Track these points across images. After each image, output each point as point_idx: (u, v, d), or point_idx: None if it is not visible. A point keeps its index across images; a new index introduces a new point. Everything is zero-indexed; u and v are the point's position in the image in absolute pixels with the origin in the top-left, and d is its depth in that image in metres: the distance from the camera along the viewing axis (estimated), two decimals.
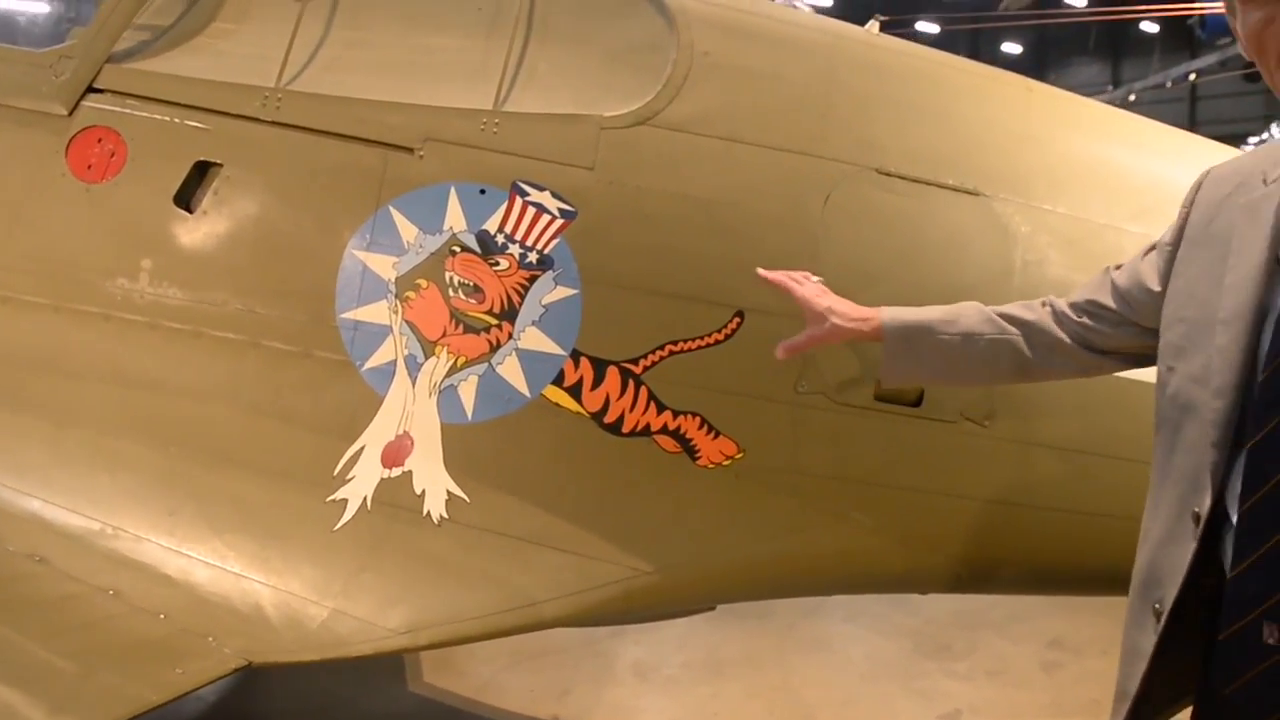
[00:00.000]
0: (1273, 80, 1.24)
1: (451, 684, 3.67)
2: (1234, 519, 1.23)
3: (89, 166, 2.28)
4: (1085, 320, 1.63)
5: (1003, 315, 1.70)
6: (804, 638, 4.05)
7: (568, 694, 3.64)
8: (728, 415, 2.26)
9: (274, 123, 2.29)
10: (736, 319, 2.23)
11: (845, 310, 1.80)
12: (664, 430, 2.25)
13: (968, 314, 1.72)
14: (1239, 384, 1.25)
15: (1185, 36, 25.17)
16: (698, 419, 2.25)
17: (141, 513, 2.17)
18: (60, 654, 1.77)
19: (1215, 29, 20.67)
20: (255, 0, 2.48)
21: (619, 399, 2.23)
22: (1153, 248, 1.55)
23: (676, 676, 3.77)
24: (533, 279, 2.22)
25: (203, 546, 2.13)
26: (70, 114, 2.31)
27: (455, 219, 2.24)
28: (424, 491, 2.22)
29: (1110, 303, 1.60)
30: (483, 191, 2.24)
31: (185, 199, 2.28)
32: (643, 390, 2.23)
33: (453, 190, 2.24)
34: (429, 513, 2.21)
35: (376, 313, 2.24)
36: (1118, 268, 1.62)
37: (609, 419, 2.24)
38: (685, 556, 2.30)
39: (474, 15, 2.44)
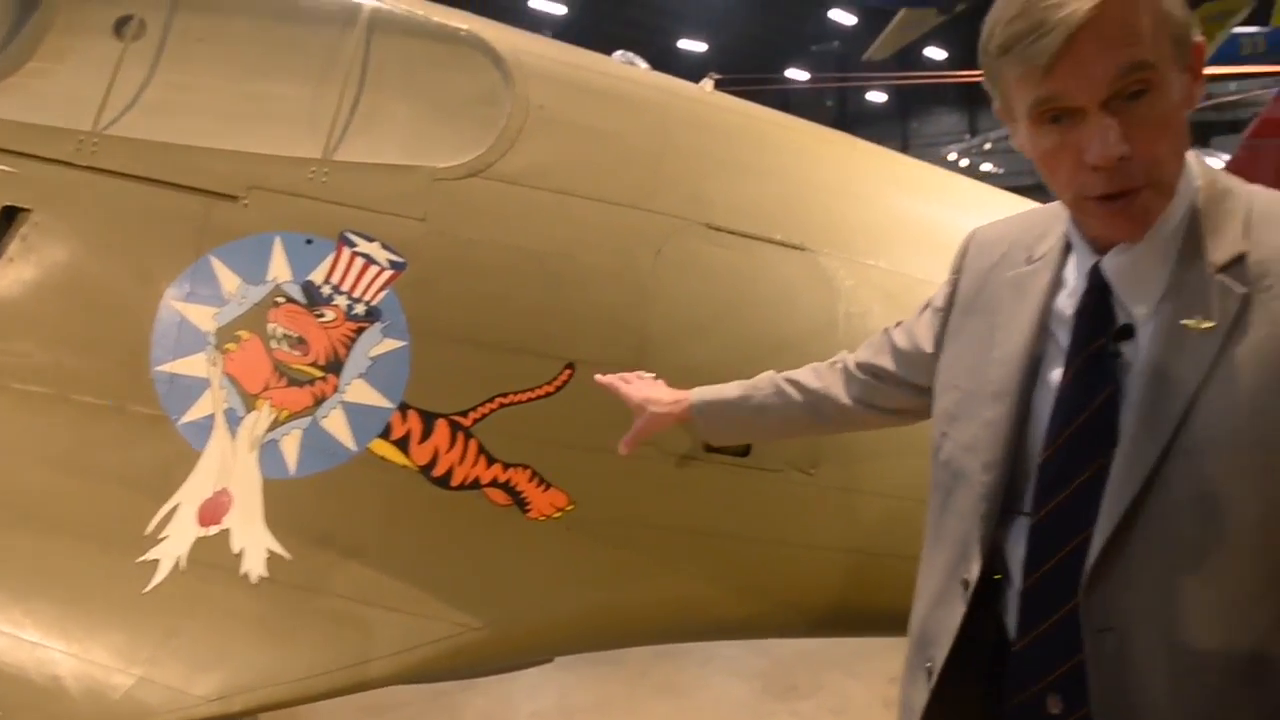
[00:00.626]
0: (1059, 192, 1.26)
1: None
2: (1018, 586, 1.27)
3: None
4: (869, 380, 1.69)
5: (795, 385, 1.77)
6: (656, 683, 4.05)
7: None
8: (559, 467, 2.25)
9: (88, 168, 2.20)
10: (568, 371, 2.24)
11: (660, 398, 1.89)
12: (494, 483, 2.23)
13: (762, 388, 1.80)
14: (1007, 458, 1.29)
15: None
16: (528, 471, 2.24)
17: None
18: None
19: None
20: (75, 40, 2.39)
21: (448, 452, 2.21)
22: (928, 307, 1.59)
23: None
24: (359, 331, 2.19)
25: None
26: None
27: (280, 269, 2.19)
28: (242, 550, 2.14)
29: (890, 364, 1.65)
30: (309, 241, 2.20)
31: None
32: (472, 443, 2.21)
33: (278, 240, 2.19)
34: (247, 572, 2.13)
35: (194, 365, 2.16)
36: (897, 325, 1.67)
37: (438, 472, 2.21)
38: (517, 610, 2.28)
39: (306, 62, 2.40)
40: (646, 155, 2.40)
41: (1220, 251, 1.19)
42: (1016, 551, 1.28)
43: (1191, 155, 1.24)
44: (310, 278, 2.19)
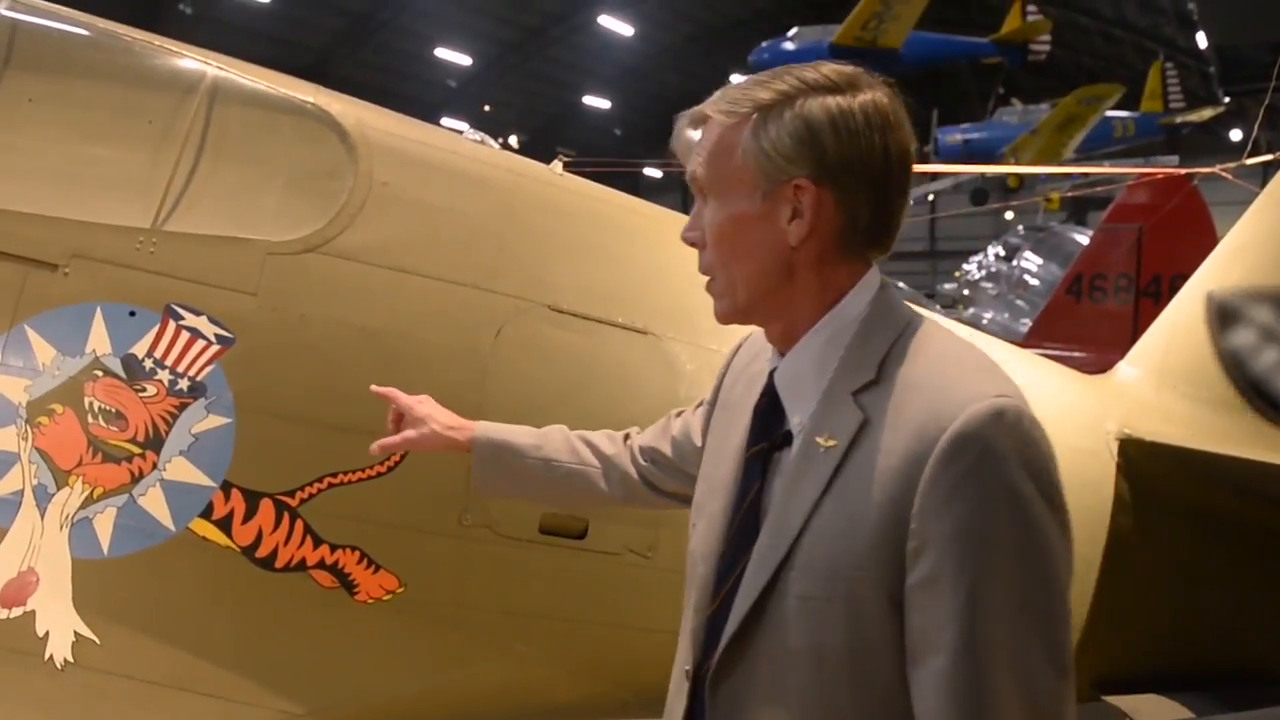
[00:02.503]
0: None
1: None
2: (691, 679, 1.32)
3: None
4: (649, 464, 1.74)
5: (588, 444, 1.78)
6: None
7: None
8: (389, 549, 2.22)
9: None
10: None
11: (443, 419, 1.81)
12: (320, 565, 2.18)
13: (553, 440, 1.78)
14: (717, 553, 1.33)
15: (924, 160, 27.67)
16: (357, 553, 2.20)
17: None
18: None
19: (946, 155, 22.89)
20: None
21: (272, 532, 2.15)
22: (702, 403, 1.64)
23: None
24: (182, 406, 2.13)
25: None
26: None
27: (99, 341, 2.12)
28: (48, 633, 2.05)
29: (668, 451, 1.71)
30: (133, 314, 2.14)
31: None
32: (299, 523, 2.16)
33: (99, 311, 2.13)
34: (51, 656, 2.04)
35: (3, 439, 2.07)
36: (678, 414, 1.74)
37: (261, 553, 2.15)
38: (343, 695, 2.22)
39: (143, 128, 2.35)
40: (491, 235, 2.41)
41: (858, 377, 1.24)
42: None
43: (863, 286, 1.30)
44: (132, 350, 2.12)
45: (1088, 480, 2.96)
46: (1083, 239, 12.74)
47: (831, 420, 1.24)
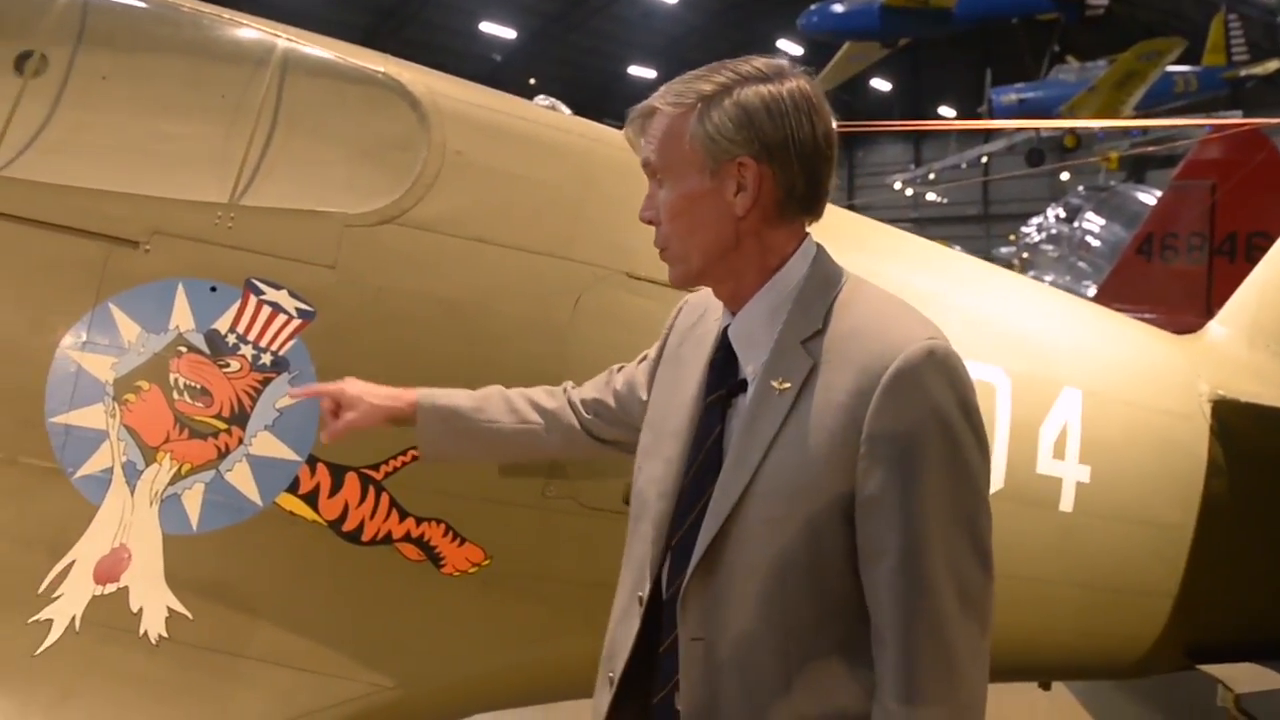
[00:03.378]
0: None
1: None
2: (663, 602, 1.50)
3: None
4: (592, 416, 1.92)
5: (530, 402, 1.93)
6: None
7: None
8: (474, 522, 2.20)
9: None
10: None
11: (379, 393, 1.92)
12: (406, 538, 2.17)
13: (494, 402, 1.93)
14: (676, 491, 1.52)
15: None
16: (442, 526, 2.18)
17: None
18: None
19: (1001, 116, 22.41)
20: None
21: (358, 506, 2.14)
22: (645, 358, 1.84)
23: None
24: (266, 381, 2.12)
25: None
26: None
27: (182, 317, 2.11)
28: (141, 609, 2.06)
29: (610, 402, 1.90)
30: (214, 289, 2.13)
31: None
32: (384, 497, 2.15)
33: (181, 287, 2.12)
34: (146, 632, 2.05)
35: (91, 417, 2.08)
36: (619, 369, 1.92)
37: (348, 527, 2.14)
38: (430, 669, 2.21)
39: (216, 102, 2.34)
40: (567, 202, 2.37)
41: (805, 327, 1.45)
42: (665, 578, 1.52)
43: (803, 251, 1.50)
44: (215, 326, 2.11)
45: (1180, 444, 2.87)
46: (1148, 198, 12.41)
47: (784, 366, 1.44)
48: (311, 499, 2.13)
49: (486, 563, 2.21)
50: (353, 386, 1.92)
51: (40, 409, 2.07)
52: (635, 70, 35.80)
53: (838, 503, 1.39)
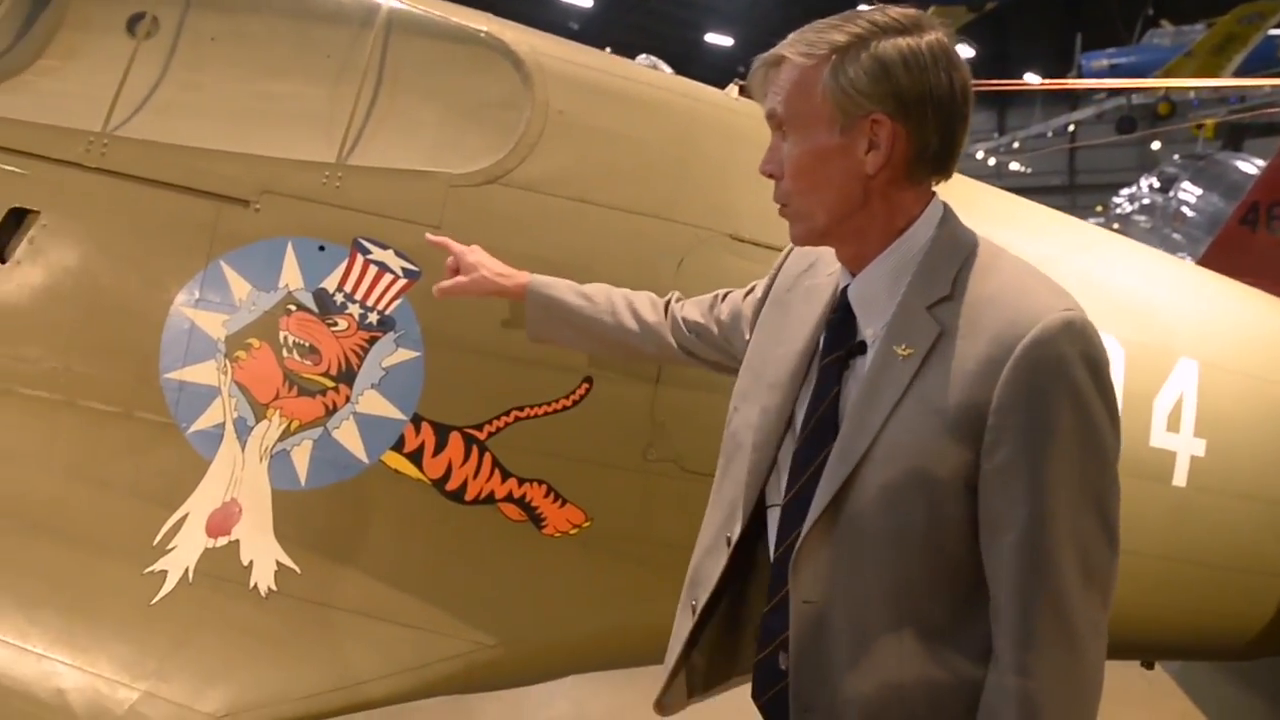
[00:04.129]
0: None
1: None
2: (772, 561, 1.50)
3: None
4: (692, 336, 1.92)
5: (631, 309, 1.95)
6: None
7: None
8: (575, 483, 2.20)
9: (98, 169, 2.15)
10: (585, 385, 2.18)
11: (493, 266, 2.01)
12: (509, 498, 2.18)
13: (598, 302, 1.96)
14: (773, 443, 1.51)
15: (1065, 89, 26.32)
16: (544, 487, 2.19)
17: None
18: None
19: (1091, 80, 21.70)
20: (86, 37, 2.35)
21: (462, 466, 2.15)
22: (752, 290, 1.81)
23: None
24: (373, 340, 2.13)
25: (3, 624, 1.97)
26: None
27: (291, 276, 2.14)
28: (251, 562, 2.10)
29: (714, 328, 1.89)
30: (322, 248, 2.15)
31: None
32: (487, 457, 2.16)
33: (290, 246, 2.14)
34: (256, 585, 2.09)
35: (204, 373, 2.12)
36: (725, 296, 1.90)
37: (451, 486, 2.16)
38: (530, 628, 2.22)
39: (321, 62, 2.35)
40: (670, 162, 2.33)
41: (932, 293, 1.40)
42: (773, 531, 1.52)
43: (930, 213, 1.44)
44: (323, 285, 2.13)
45: None
46: (1248, 167, 11.90)
47: (908, 331, 1.39)
48: (416, 457, 2.14)
49: (587, 524, 2.21)
50: (473, 255, 2.02)
51: (155, 365, 2.12)
52: (712, 38, 35.43)
53: (961, 472, 1.35)
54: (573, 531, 2.21)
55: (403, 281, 2.14)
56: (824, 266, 1.58)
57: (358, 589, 2.13)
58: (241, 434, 2.12)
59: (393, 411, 2.13)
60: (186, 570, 2.07)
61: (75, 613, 2.01)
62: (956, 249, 1.44)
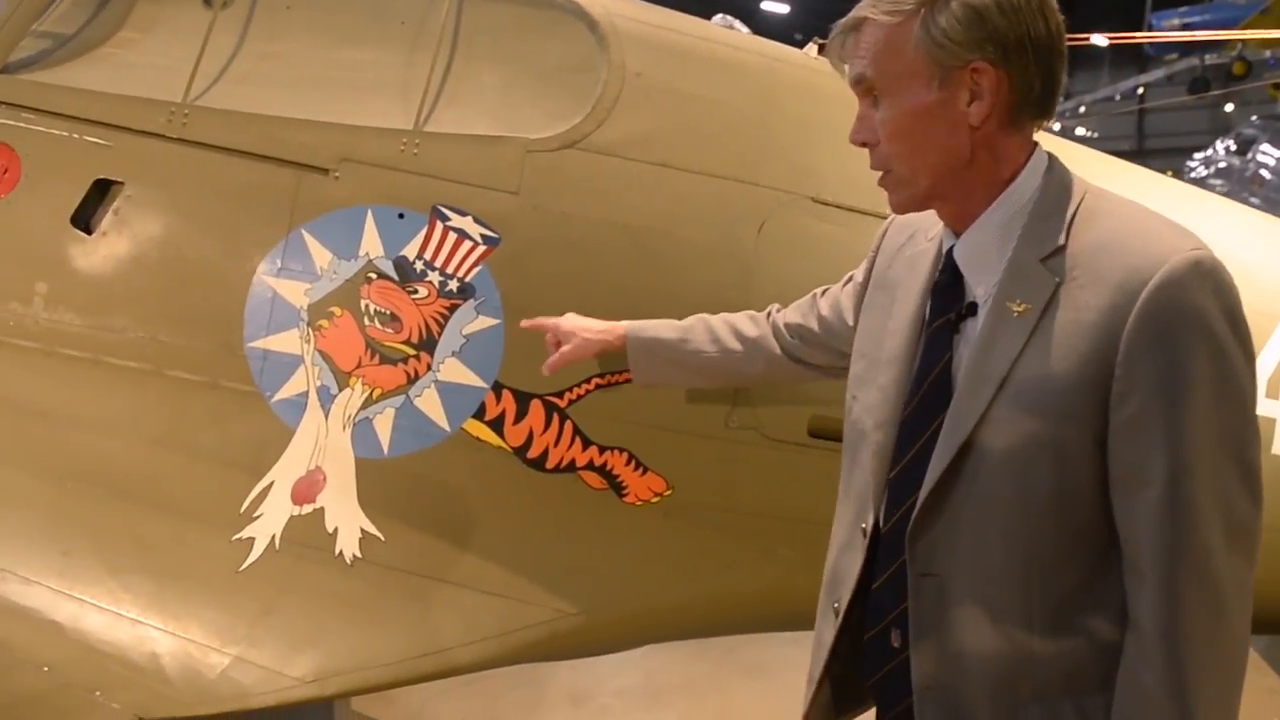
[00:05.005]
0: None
1: (380, 712, 3.55)
2: (880, 534, 1.44)
3: None
4: (796, 340, 1.88)
5: (732, 330, 1.93)
6: (743, 663, 3.97)
7: None
8: (656, 451, 2.17)
9: (180, 140, 2.17)
10: None
11: (592, 326, 2.00)
12: (590, 466, 2.16)
13: (697, 333, 1.94)
14: (895, 420, 1.43)
15: (1134, 51, 25.55)
16: (625, 455, 2.16)
17: (32, 553, 2.03)
18: None
19: (1164, 43, 21.05)
20: (164, 9, 2.36)
21: (543, 433, 2.14)
22: (850, 280, 1.77)
23: (611, 705, 3.68)
24: (453, 308, 2.12)
25: (96, 589, 2.00)
26: None
27: (372, 244, 2.13)
28: (336, 530, 2.11)
29: (815, 327, 1.85)
30: (401, 215, 2.14)
31: (84, 219, 2.16)
32: (568, 425, 2.14)
33: (369, 214, 2.14)
34: (341, 552, 2.10)
35: (287, 342, 2.13)
36: (823, 292, 1.86)
37: (532, 454, 2.15)
38: (612, 597, 2.21)
39: (396, 29, 2.33)
40: (750, 124, 2.28)
41: (1044, 244, 1.33)
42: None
43: (1035, 163, 1.38)
44: (403, 253, 2.13)
45: None
46: None
47: (1021, 286, 1.33)
48: (497, 425, 2.13)
49: (668, 493, 2.19)
50: (568, 322, 2.01)
51: (239, 334, 2.13)
52: (768, 6, 34.95)
53: (1089, 429, 1.28)
54: (654, 500, 2.19)
55: (482, 248, 2.13)
56: (924, 232, 1.52)
57: (441, 556, 2.13)
58: (325, 402, 2.12)
59: (474, 379, 2.12)
60: (273, 537, 2.09)
61: (166, 579, 2.04)
62: (1066, 196, 1.36)
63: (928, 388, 1.40)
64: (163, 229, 2.17)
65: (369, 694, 2.15)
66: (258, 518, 2.10)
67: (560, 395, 2.13)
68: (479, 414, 2.13)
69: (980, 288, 1.38)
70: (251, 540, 2.08)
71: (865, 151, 2.41)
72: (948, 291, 1.42)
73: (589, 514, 2.18)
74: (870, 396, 1.49)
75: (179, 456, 2.14)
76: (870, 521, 1.45)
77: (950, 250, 1.43)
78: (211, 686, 1.91)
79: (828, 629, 1.51)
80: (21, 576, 1.99)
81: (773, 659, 4.07)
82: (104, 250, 2.15)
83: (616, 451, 2.16)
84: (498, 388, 2.12)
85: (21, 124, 2.18)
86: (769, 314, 1.94)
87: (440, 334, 2.12)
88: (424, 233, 2.13)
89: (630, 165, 2.19)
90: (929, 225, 1.51)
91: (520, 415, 2.13)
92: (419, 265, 2.12)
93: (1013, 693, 1.32)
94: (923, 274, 1.48)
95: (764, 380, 2.05)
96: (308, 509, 2.11)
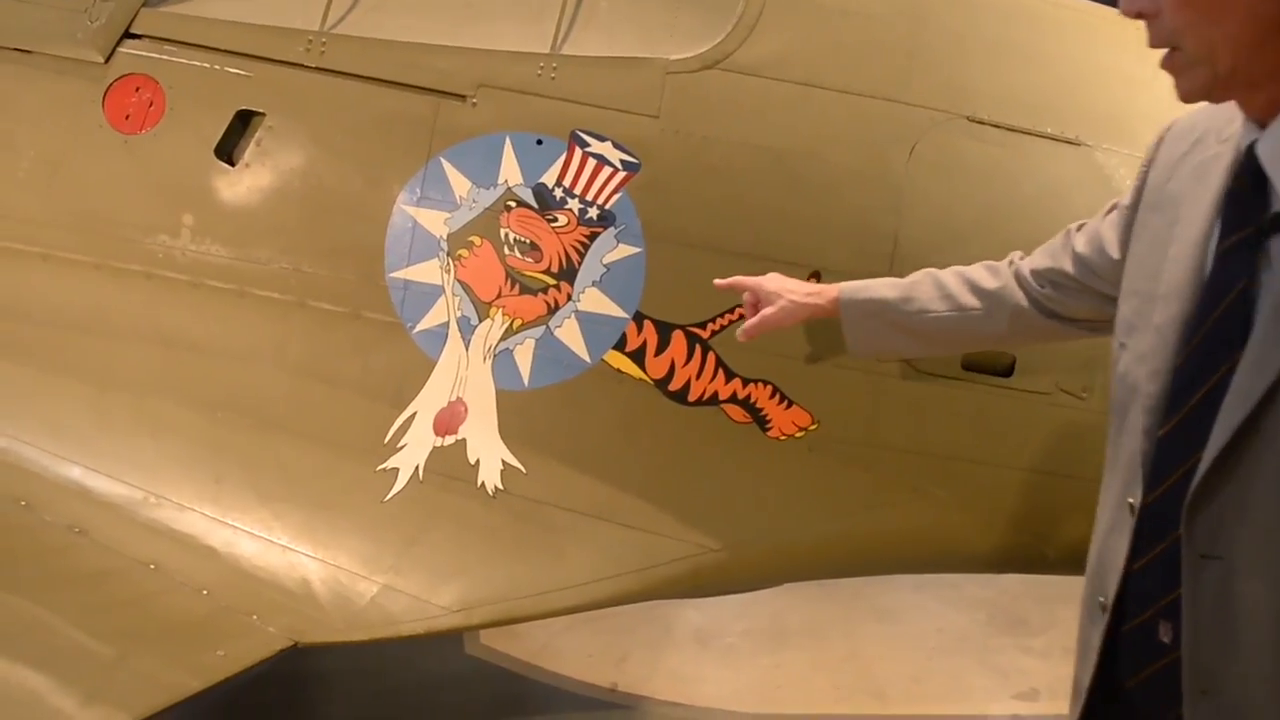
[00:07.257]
0: None
1: (508, 646, 3.60)
2: (1142, 505, 1.20)
3: (126, 117, 2.17)
4: (1047, 290, 1.57)
5: (966, 283, 1.65)
6: (871, 607, 3.90)
7: (625, 660, 3.55)
8: (801, 384, 2.10)
9: (319, 69, 2.15)
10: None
11: (798, 288, 1.79)
12: (733, 399, 2.10)
13: (923, 289, 1.67)
14: (1174, 367, 1.17)
15: None
16: (769, 387, 2.09)
17: (186, 480, 2.08)
18: (96, 636, 1.69)
19: None
20: None
21: (685, 365, 2.08)
22: (1115, 207, 1.45)
23: (737, 645, 3.65)
24: (593, 236, 2.07)
25: (248, 517, 2.04)
26: (106, 61, 2.19)
27: (510, 171, 2.09)
28: (478, 461, 2.10)
29: (1071, 269, 1.52)
30: (540, 142, 2.09)
31: (227, 151, 2.16)
32: (710, 356, 2.08)
33: (508, 140, 2.09)
34: (483, 483, 2.09)
35: (428, 272, 2.11)
36: (1079, 227, 1.53)
37: (674, 386, 2.09)
38: (755, 533, 2.16)
39: None
40: (899, 39, 2.15)
41: None
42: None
43: None
44: (542, 180, 2.08)
45: None
46: None
47: None
48: (638, 356, 2.08)
49: (813, 427, 2.11)
50: (771, 282, 1.82)
51: (380, 264, 2.12)
52: None
53: None
54: (799, 434, 2.12)
55: (622, 174, 2.06)
56: (1216, 134, 1.24)
57: (582, 490, 2.11)
58: (465, 333, 2.11)
59: (614, 309, 2.07)
60: (417, 468, 2.09)
61: (314, 507, 2.06)
62: None
63: (1215, 322, 1.13)
64: (304, 159, 2.16)
65: (507, 625, 2.15)
66: (401, 448, 2.10)
67: (703, 326, 2.07)
68: (620, 345, 2.08)
69: None
70: (396, 471, 2.09)
71: (1023, 65, 2.19)
72: (1248, 201, 1.14)
73: (732, 448, 2.12)
74: (1143, 342, 1.22)
75: (323, 387, 2.15)
76: (1139, 495, 1.21)
77: (1252, 146, 1.14)
78: (362, 613, 1.93)
79: (1095, 628, 1.27)
80: (176, 502, 2.04)
81: (901, 604, 3.99)
82: (247, 182, 2.16)
83: (760, 384, 2.09)
84: (639, 318, 2.07)
85: (165, 57, 2.19)
86: (1010, 261, 1.65)
87: (580, 263, 2.07)
88: (563, 159, 2.07)
89: (774, 85, 2.09)
90: (1222, 124, 1.23)
91: (662, 346, 2.08)
92: (558, 192, 2.07)
93: None
94: (1214, 184, 1.19)
95: (1011, 343, 1.75)
96: (450, 440, 2.10)
